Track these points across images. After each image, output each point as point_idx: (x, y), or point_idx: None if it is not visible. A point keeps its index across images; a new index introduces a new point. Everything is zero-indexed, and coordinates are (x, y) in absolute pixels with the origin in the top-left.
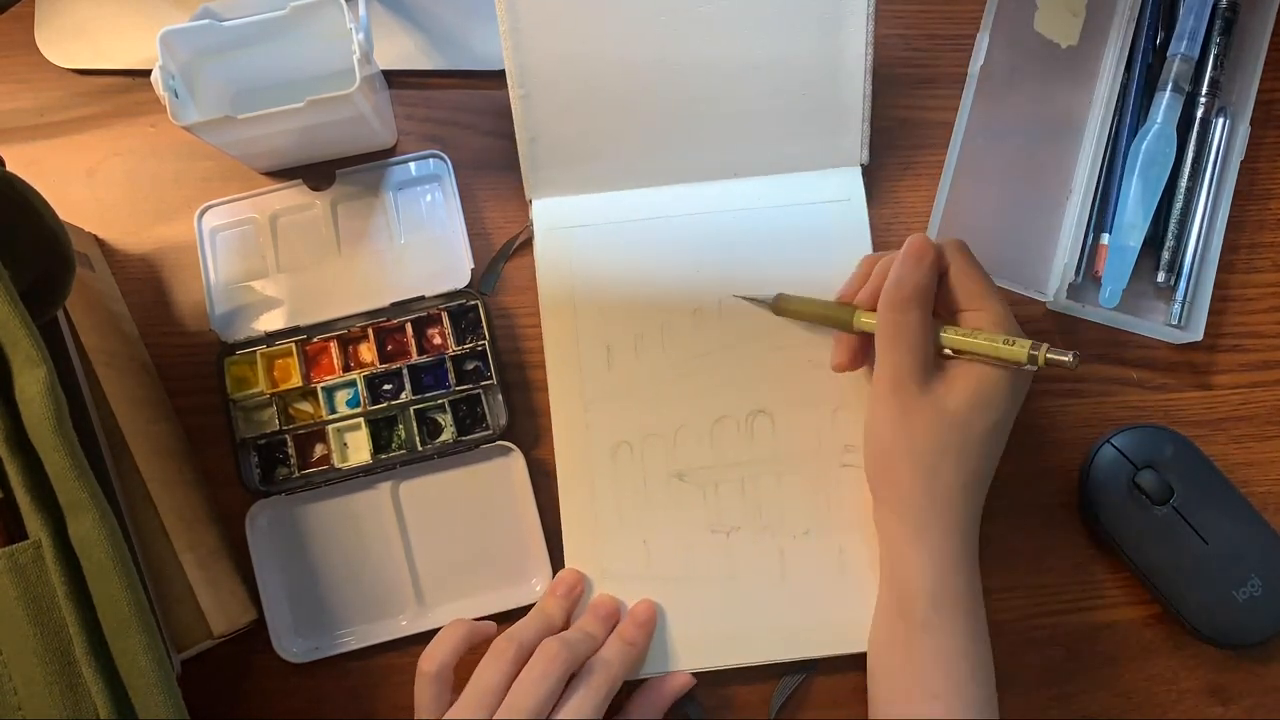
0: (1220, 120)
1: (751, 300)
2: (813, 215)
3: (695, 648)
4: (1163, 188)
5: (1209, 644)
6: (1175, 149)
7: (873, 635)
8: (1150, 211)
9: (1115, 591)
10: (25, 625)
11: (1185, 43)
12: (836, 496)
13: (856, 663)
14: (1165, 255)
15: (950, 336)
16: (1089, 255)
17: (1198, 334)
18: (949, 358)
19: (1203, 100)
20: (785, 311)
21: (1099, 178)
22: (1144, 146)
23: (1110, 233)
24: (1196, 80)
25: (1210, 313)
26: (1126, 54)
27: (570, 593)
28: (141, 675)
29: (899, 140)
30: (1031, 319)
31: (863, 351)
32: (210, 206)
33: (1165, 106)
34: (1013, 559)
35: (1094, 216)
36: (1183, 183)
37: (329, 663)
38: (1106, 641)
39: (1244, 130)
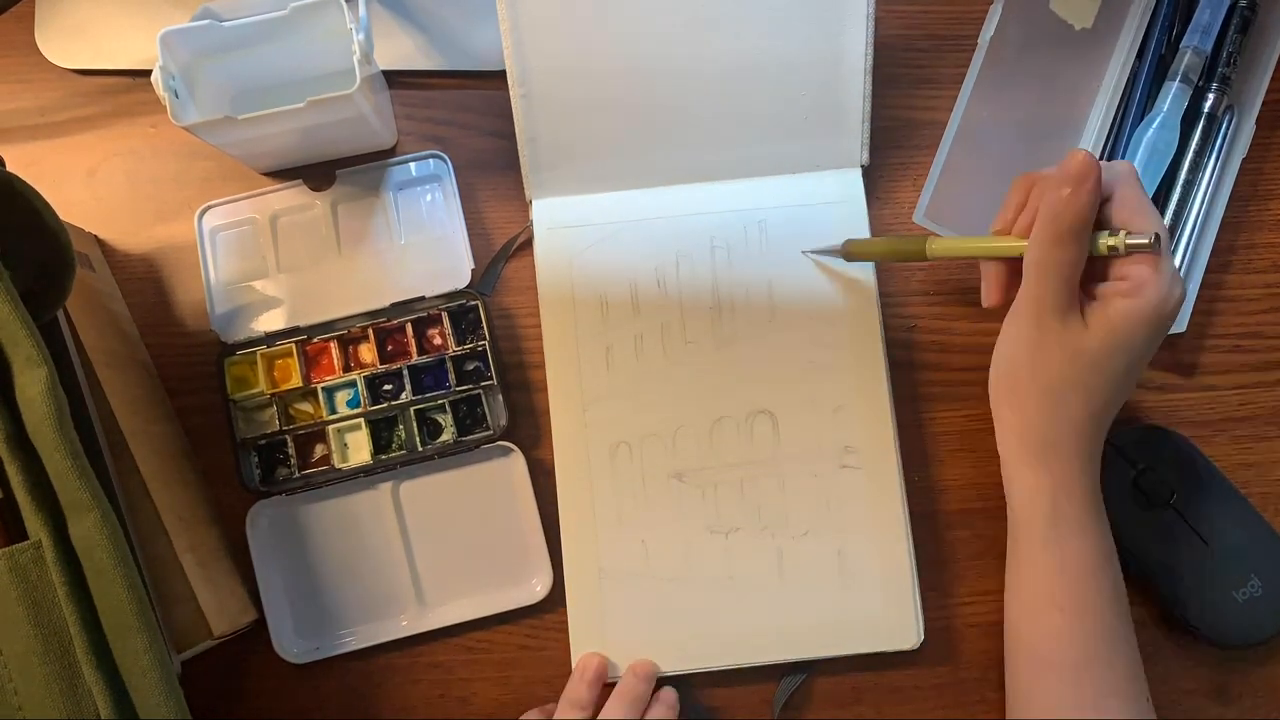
0: (1226, 116)
1: (820, 253)
2: (813, 216)
3: (695, 648)
4: (1162, 177)
5: (1209, 644)
6: (1178, 140)
7: (1008, 556)
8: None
9: None
10: (25, 625)
11: (1199, 36)
12: (836, 497)
13: (856, 663)
14: None
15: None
16: None
17: (1181, 326)
18: (1092, 292)
19: (1211, 95)
20: (855, 254)
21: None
22: (1147, 135)
23: None
24: (1208, 75)
25: (1211, 313)
26: (1140, 41)
27: (598, 680)
28: (143, 675)
29: (899, 140)
30: None
31: (1010, 283)
32: (210, 207)
33: (1172, 97)
34: None
35: None
36: (1182, 174)
37: (329, 663)
38: None
39: (1249, 128)
